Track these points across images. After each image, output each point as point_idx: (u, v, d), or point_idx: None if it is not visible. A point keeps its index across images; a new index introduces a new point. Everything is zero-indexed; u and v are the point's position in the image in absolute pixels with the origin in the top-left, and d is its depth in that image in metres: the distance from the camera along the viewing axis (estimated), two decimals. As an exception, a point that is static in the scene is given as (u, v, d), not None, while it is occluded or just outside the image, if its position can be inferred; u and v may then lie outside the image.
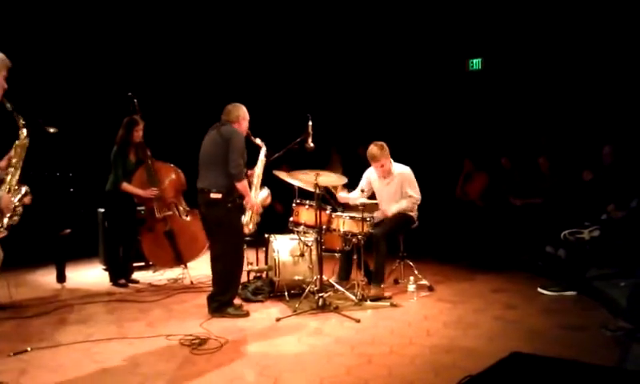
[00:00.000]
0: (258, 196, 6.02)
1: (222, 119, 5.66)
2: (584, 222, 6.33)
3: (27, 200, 3.70)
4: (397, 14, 10.39)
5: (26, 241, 4.77)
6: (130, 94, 7.00)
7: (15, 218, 3.61)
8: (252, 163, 6.01)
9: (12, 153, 3.70)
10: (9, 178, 3.66)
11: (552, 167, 8.25)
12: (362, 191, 6.64)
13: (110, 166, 6.88)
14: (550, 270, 6.66)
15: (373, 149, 6.46)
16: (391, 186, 6.57)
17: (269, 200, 6.26)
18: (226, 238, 5.54)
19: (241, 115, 5.68)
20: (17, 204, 3.70)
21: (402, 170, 6.56)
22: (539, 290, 6.28)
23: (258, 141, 6.03)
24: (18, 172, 3.74)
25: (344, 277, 6.57)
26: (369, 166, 6.69)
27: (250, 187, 5.88)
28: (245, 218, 5.86)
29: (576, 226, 6.33)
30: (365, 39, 10.76)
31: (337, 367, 4.20)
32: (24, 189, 3.66)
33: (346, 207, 6.70)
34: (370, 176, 6.74)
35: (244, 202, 5.73)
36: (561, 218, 6.88)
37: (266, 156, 6.08)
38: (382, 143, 6.48)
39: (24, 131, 3.70)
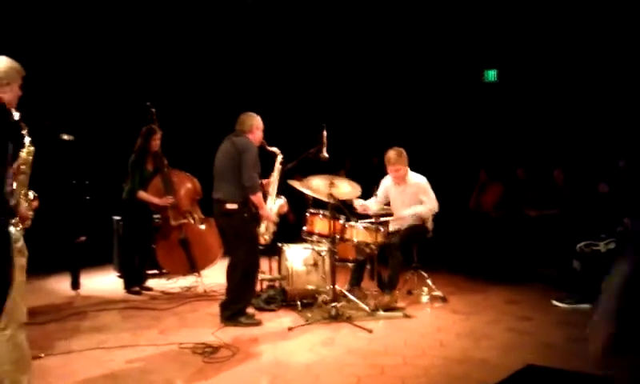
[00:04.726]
0: (274, 205, 6.03)
1: (236, 129, 5.69)
2: (600, 234, 6.28)
3: (35, 204, 3.75)
4: (412, 24, 10.39)
5: (41, 247, 4.80)
6: (148, 103, 7.05)
7: (28, 222, 3.66)
8: (267, 172, 6.02)
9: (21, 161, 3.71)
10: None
11: (567, 179, 8.20)
12: (376, 195, 6.65)
13: (127, 174, 6.93)
14: (566, 282, 6.60)
15: (390, 152, 6.45)
16: (406, 194, 6.54)
17: (285, 208, 6.25)
18: (242, 248, 5.54)
19: (254, 125, 5.70)
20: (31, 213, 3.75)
21: (417, 180, 6.52)
22: (553, 302, 6.23)
23: (274, 149, 6.05)
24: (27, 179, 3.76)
25: (355, 283, 6.54)
26: (382, 174, 6.69)
27: (266, 197, 5.89)
28: (261, 229, 5.88)
29: (592, 238, 6.28)
30: (380, 49, 10.78)
31: (349, 378, 4.18)
32: (31, 194, 3.71)
33: (361, 216, 6.66)
34: (387, 184, 6.72)
35: (260, 213, 5.75)
36: (576, 230, 6.83)
37: (282, 164, 6.09)
38: (401, 149, 6.46)
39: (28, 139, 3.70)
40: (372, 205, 6.64)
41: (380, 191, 6.77)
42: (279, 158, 6.08)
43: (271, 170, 6.08)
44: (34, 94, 4.10)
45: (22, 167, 3.59)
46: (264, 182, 5.93)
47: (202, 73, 10.69)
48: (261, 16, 10.41)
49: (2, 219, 3.23)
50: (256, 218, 5.75)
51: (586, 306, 6.04)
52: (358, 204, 6.56)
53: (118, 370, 4.38)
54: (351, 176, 6.26)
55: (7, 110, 3.41)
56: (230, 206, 5.47)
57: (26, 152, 3.60)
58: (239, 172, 5.45)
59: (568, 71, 9.25)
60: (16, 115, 3.49)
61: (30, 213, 3.66)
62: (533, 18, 9.42)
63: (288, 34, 10.73)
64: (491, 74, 10.54)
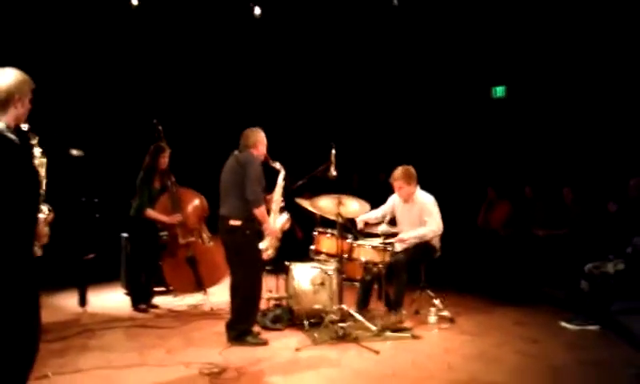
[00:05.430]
0: (277, 221, 6.00)
1: (240, 145, 5.70)
2: (608, 255, 6.23)
3: (50, 218, 3.71)
4: (421, 41, 10.42)
5: (48, 264, 4.82)
6: (155, 120, 7.08)
7: (44, 239, 3.64)
8: (271, 188, 6.00)
9: None
10: None
11: (576, 198, 8.16)
12: (384, 216, 6.62)
13: (134, 191, 6.94)
14: (573, 303, 6.55)
15: (397, 169, 6.44)
16: (412, 212, 6.50)
17: (288, 225, 6.20)
18: (245, 266, 5.54)
19: (258, 140, 5.71)
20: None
21: (423, 199, 6.48)
22: (562, 323, 6.18)
23: (277, 165, 6.00)
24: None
25: (363, 305, 6.51)
26: (389, 190, 6.67)
27: (269, 212, 5.87)
28: (264, 244, 5.85)
29: (600, 258, 6.24)
30: (389, 66, 10.81)
31: (355, 401, 4.17)
32: (45, 208, 3.67)
33: (367, 235, 6.63)
34: (396, 200, 6.68)
35: (263, 228, 5.73)
36: (585, 250, 6.79)
37: (285, 180, 6.05)
38: (409, 168, 6.43)
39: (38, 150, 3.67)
40: (374, 214, 6.62)
41: (387, 204, 6.74)
42: (282, 173, 6.04)
43: (274, 186, 6.07)
44: (44, 109, 4.13)
45: None
46: (267, 197, 5.91)
47: (211, 90, 10.75)
48: (269, 33, 10.46)
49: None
50: (259, 235, 5.73)
51: (594, 327, 6.00)
52: (359, 220, 6.53)
53: (124, 391, 4.38)
54: (359, 194, 6.24)
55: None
56: (233, 222, 5.48)
57: (38, 163, 3.59)
58: (243, 187, 5.45)
59: (577, 88, 9.24)
60: (24, 127, 3.48)
61: (46, 228, 3.64)
62: (541, 35, 9.43)
63: (296, 51, 10.78)
64: (500, 91, 10.53)
